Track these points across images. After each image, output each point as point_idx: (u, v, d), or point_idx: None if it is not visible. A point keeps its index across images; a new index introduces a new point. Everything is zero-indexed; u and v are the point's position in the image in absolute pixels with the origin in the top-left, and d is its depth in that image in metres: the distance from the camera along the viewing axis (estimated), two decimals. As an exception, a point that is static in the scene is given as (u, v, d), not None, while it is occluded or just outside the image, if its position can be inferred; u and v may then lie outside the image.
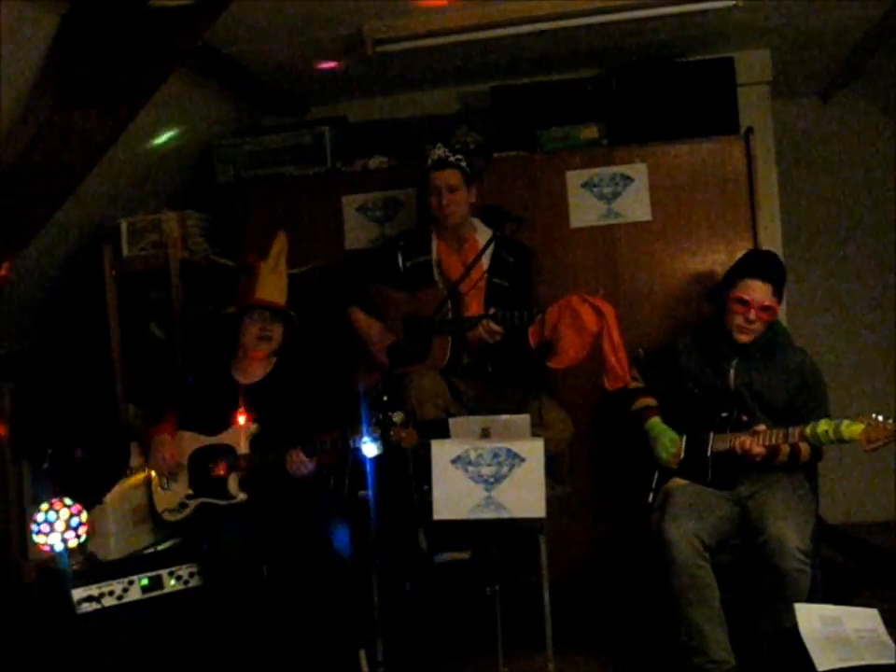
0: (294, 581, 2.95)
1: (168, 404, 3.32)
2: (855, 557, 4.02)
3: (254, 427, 3.16)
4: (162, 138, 3.81)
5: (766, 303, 3.01)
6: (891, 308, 4.79)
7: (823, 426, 2.80)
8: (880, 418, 2.70)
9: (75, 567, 3.01)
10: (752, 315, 3.01)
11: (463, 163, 3.38)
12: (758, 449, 2.89)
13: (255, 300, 3.20)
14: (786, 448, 2.94)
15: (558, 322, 3.05)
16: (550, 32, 3.50)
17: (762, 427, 2.93)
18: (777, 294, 3.06)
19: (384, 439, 2.78)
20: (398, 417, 2.82)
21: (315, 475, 3.06)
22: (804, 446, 2.97)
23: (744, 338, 3.05)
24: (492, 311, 3.21)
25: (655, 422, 3.16)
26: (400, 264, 3.46)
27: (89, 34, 2.68)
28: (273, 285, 3.22)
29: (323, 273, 3.72)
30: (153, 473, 3.25)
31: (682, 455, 3.08)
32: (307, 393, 3.23)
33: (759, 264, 3.10)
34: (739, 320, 3.03)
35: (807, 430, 2.83)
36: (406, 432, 2.84)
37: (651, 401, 3.23)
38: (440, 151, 3.38)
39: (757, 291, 3.01)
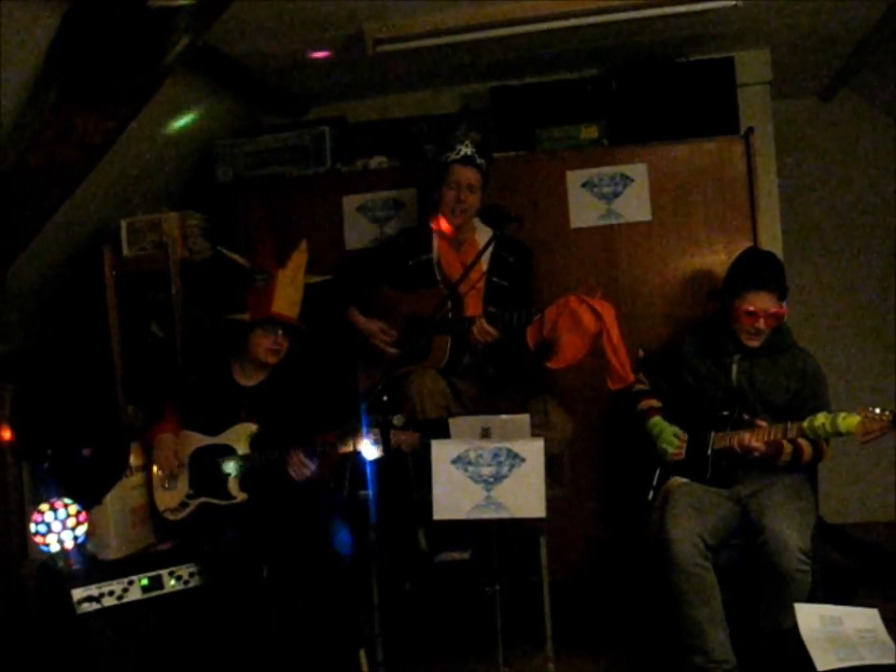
0: (294, 581, 2.95)
1: (170, 403, 3.32)
2: (855, 557, 4.02)
3: (253, 427, 3.16)
4: (162, 138, 3.80)
5: (774, 311, 3.03)
6: (891, 307, 4.79)
7: (820, 419, 2.82)
8: (877, 410, 2.72)
9: (75, 567, 3.02)
10: (761, 324, 3.03)
11: (485, 167, 3.39)
12: (757, 444, 2.90)
13: (272, 313, 3.16)
14: (788, 447, 2.95)
15: (556, 322, 3.05)
16: (550, 32, 3.49)
17: (762, 424, 2.94)
18: (782, 297, 3.07)
19: (384, 442, 2.78)
20: (398, 420, 2.83)
21: (315, 478, 3.06)
22: (805, 445, 2.98)
23: (753, 343, 3.07)
24: (490, 310, 3.21)
25: (657, 420, 3.19)
26: (401, 263, 3.46)
27: (89, 34, 2.67)
28: (289, 299, 3.19)
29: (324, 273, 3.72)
30: (154, 472, 3.25)
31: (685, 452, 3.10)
32: (308, 394, 3.23)
33: (761, 273, 3.08)
34: (748, 328, 3.05)
35: (805, 424, 2.85)
36: (406, 435, 2.84)
37: (655, 402, 3.25)
38: (467, 149, 3.36)
39: (764, 302, 3.02)
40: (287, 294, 3.19)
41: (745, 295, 3.04)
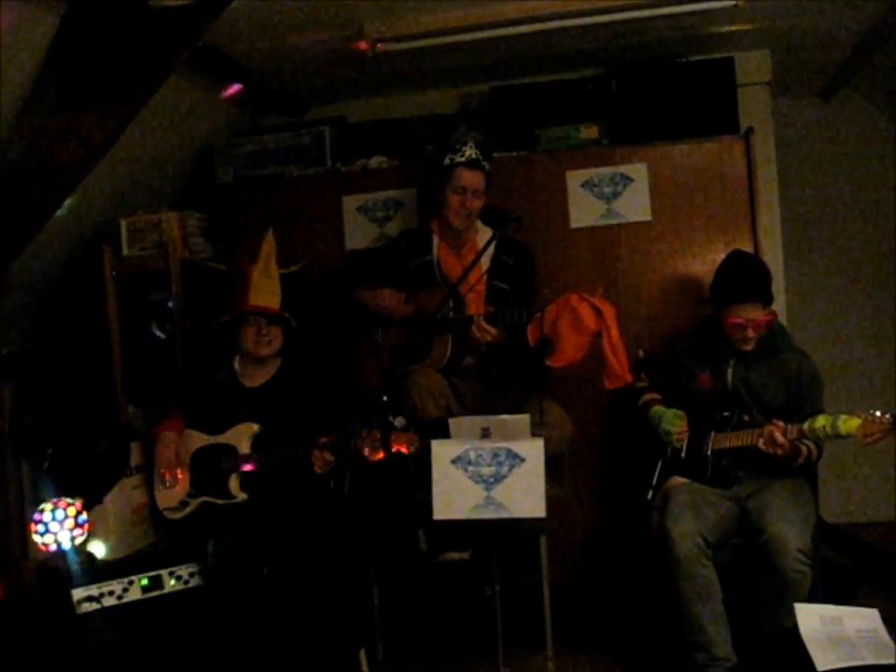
0: (294, 581, 2.95)
1: (174, 402, 3.33)
2: (855, 557, 4.02)
3: (256, 427, 3.17)
4: (162, 138, 3.80)
5: (761, 319, 3.03)
6: (891, 308, 4.79)
7: (821, 421, 2.82)
8: (877, 413, 2.72)
9: (75, 567, 3.02)
10: (750, 333, 3.04)
11: (488, 168, 3.36)
12: (782, 440, 2.88)
13: (248, 306, 3.19)
14: (804, 451, 2.96)
15: (557, 320, 3.05)
16: (550, 32, 3.50)
17: (779, 424, 2.92)
18: (768, 304, 3.06)
19: (384, 444, 2.77)
20: (399, 422, 2.82)
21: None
22: (812, 447, 2.99)
23: (747, 347, 3.08)
24: (489, 309, 3.20)
25: (658, 408, 3.22)
26: (402, 265, 3.45)
27: (89, 34, 2.68)
28: (265, 289, 3.21)
29: (325, 274, 3.72)
30: (156, 470, 3.25)
31: (688, 433, 3.10)
32: (311, 395, 3.23)
33: (745, 286, 3.06)
34: (739, 337, 3.06)
35: (805, 426, 2.85)
36: (407, 437, 2.84)
37: (655, 395, 3.28)
38: (471, 151, 3.32)
39: (750, 312, 3.02)
40: (262, 285, 3.20)
41: (730, 307, 3.04)
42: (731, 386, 3.11)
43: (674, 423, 3.13)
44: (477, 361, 3.37)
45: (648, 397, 3.29)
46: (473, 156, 3.32)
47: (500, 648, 2.81)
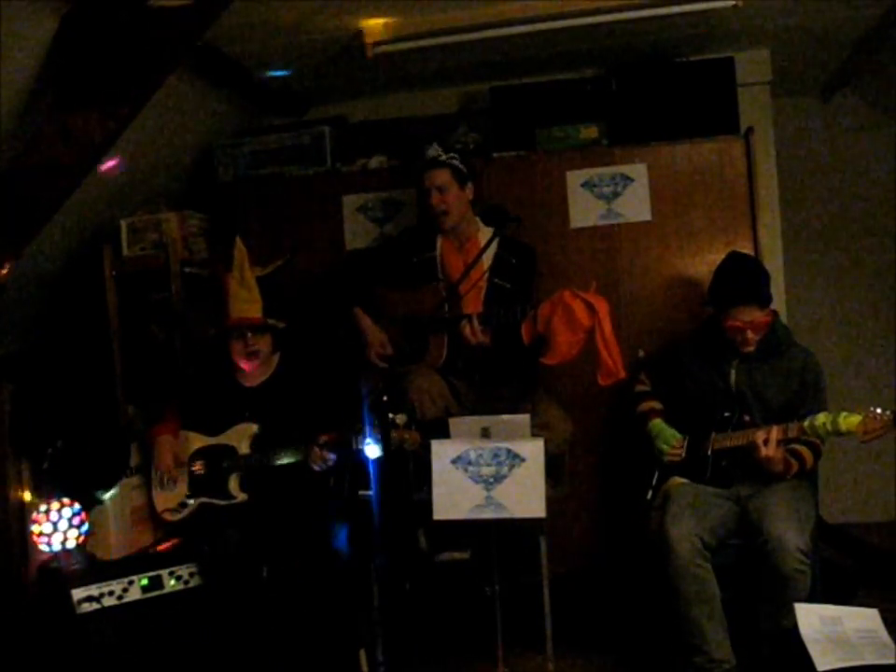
0: (294, 581, 2.95)
1: (171, 404, 3.33)
2: (855, 557, 4.01)
3: (255, 427, 3.17)
4: (162, 138, 3.80)
5: (760, 321, 3.03)
6: (891, 308, 4.79)
7: (821, 418, 2.82)
8: (878, 410, 2.73)
9: (75, 567, 3.02)
10: (749, 335, 3.04)
11: (455, 161, 3.34)
12: (776, 435, 2.88)
13: (230, 321, 3.19)
14: (795, 464, 2.97)
15: (551, 318, 3.04)
16: (550, 32, 3.50)
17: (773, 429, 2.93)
18: (766, 304, 3.06)
19: (385, 441, 2.78)
20: (400, 419, 2.82)
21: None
22: (806, 453, 2.99)
23: (749, 349, 3.07)
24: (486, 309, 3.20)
25: (657, 422, 3.19)
26: (405, 261, 3.45)
27: (89, 34, 2.68)
28: (243, 300, 3.20)
29: (326, 272, 3.71)
30: (154, 473, 3.25)
31: (683, 454, 3.10)
32: (310, 393, 3.23)
33: (741, 289, 3.05)
34: (739, 339, 3.06)
35: (805, 424, 2.85)
36: (409, 434, 2.84)
37: (656, 404, 3.26)
38: (432, 151, 3.34)
39: (748, 314, 3.01)
40: (240, 296, 3.20)
41: (729, 311, 3.04)
42: (734, 387, 3.10)
43: (669, 443, 3.13)
44: (468, 362, 3.35)
45: (647, 406, 3.26)
46: (433, 154, 3.33)
47: (500, 648, 2.82)
